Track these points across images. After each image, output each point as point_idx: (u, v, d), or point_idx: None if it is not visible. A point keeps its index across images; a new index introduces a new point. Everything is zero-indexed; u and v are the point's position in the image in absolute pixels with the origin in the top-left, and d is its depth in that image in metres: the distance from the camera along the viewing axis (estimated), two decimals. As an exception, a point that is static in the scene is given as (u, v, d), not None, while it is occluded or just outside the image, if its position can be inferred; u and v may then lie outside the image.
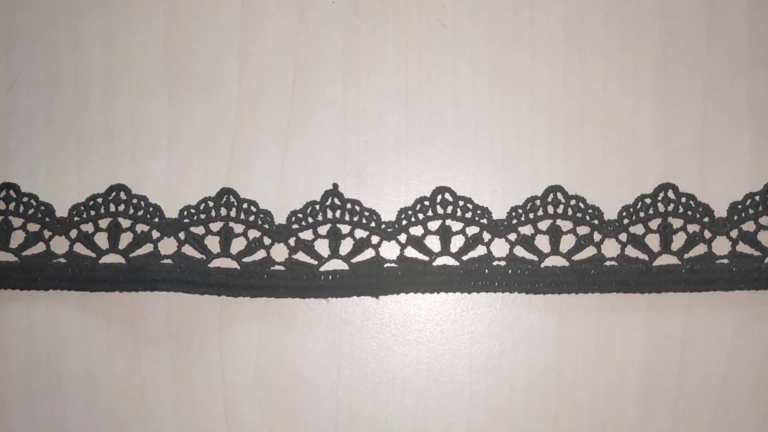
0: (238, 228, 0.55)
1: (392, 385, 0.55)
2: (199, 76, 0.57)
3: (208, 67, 0.57)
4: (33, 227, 0.55)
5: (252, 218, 0.54)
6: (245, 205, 0.54)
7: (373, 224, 0.54)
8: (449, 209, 0.54)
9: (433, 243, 0.54)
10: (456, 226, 0.54)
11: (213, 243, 0.55)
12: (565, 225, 0.54)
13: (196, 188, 0.55)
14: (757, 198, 0.54)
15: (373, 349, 0.55)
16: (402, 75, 0.56)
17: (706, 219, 0.54)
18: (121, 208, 0.55)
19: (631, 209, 0.54)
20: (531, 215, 0.54)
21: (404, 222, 0.54)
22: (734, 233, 0.54)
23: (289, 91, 0.56)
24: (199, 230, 0.55)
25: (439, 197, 0.54)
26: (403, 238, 0.54)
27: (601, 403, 0.55)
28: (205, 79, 0.57)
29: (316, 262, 0.54)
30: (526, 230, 0.54)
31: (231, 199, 0.54)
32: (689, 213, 0.54)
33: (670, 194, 0.54)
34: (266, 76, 0.56)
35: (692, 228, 0.54)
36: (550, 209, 0.54)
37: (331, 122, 0.56)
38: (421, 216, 0.54)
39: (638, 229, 0.54)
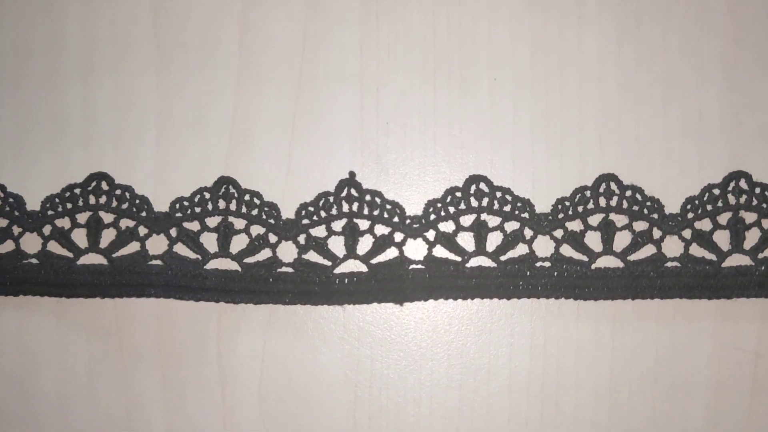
0: (239, 223, 0.52)
1: (418, 405, 0.52)
2: (193, 47, 0.53)
3: (203, 36, 0.53)
4: (0, 222, 0.52)
5: (255, 212, 0.51)
6: (247, 197, 0.51)
7: (396, 219, 0.51)
8: (485, 202, 0.51)
9: (467, 241, 0.51)
10: (493, 221, 0.51)
11: (210, 241, 0.52)
12: (620, 220, 0.51)
13: (190, 177, 0.52)
14: None
15: (396, 364, 0.52)
16: (429, 45, 0.53)
17: (785, 213, 0.51)
18: (103, 200, 0.52)
19: (697, 201, 0.51)
20: (580, 209, 0.51)
21: (432, 217, 0.51)
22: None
23: (298, 64, 0.53)
24: (194, 226, 0.52)
25: (473, 188, 0.51)
26: (431, 235, 0.51)
27: (662, 428, 0.52)
28: (199, 50, 0.53)
29: (329, 263, 0.51)
30: (575, 226, 0.51)
31: (230, 189, 0.52)
32: (764, 206, 0.51)
33: (743, 184, 0.51)
34: (271, 47, 0.53)
35: (768, 223, 0.51)
36: (602, 202, 0.51)
37: (347, 100, 0.53)
38: (452, 209, 0.51)
39: (705, 225, 0.51)
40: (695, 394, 0.51)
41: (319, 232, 0.51)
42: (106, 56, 0.53)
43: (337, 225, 0.51)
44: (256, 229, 0.52)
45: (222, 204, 0.51)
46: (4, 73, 0.53)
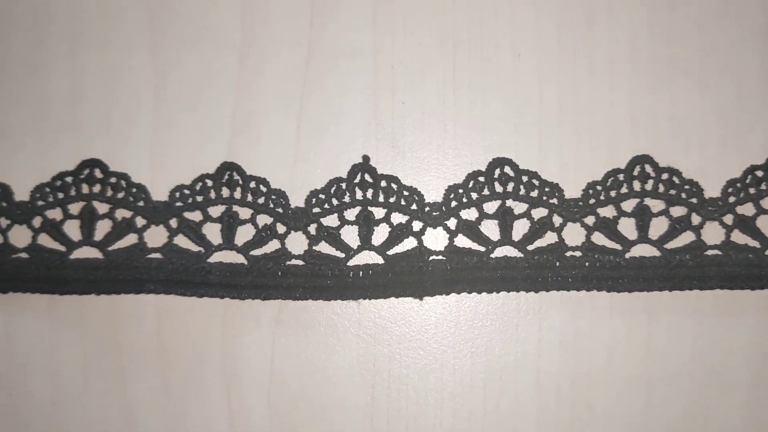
0: (245, 213, 0.52)
1: (440, 407, 0.52)
2: (190, 19, 0.53)
3: (201, 7, 0.53)
4: (-15, 215, 0.52)
5: (261, 200, 0.51)
6: (253, 184, 0.51)
7: (414, 207, 0.51)
8: (510, 187, 0.51)
9: (491, 229, 0.51)
10: (519, 207, 0.51)
11: (213, 232, 0.51)
12: (656, 205, 0.51)
13: (190, 163, 0.52)
14: None
15: (415, 363, 0.52)
16: (447, 18, 0.52)
17: (834, 196, 0.51)
18: (97, 189, 0.52)
19: (738, 184, 0.51)
20: (612, 193, 0.51)
21: (454, 204, 0.51)
22: None
23: (305, 38, 0.53)
24: (196, 216, 0.51)
25: (497, 172, 0.51)
26: (452, 223, 0.51)
27: (700, 427, 0.51)
28: (197, 22, 0.53)
29: (342, 255, 0.51)
30: (607, 212, 0.51)
31: (234, 176, 0.51)
32: (811, 188, 0.51)
33: (788, 165, 0.51)
34: (276, 20, 0.53)
35: (816, 207, 0.51)
36: (637, 185, 0.51)
37: (359, 78, 0.52)
38: (474, 196, 0.51)
39: (747, 209, 0.51)
40: (734, 392, 0.51)
41: (331, 221, 0.51)
42: (94, 30, 0.53)
43: (351, 214, 0.51)
44: (263, 219, 0.51)
45: (226, 192, 0.51)
46: (-14, 51, 0.53)
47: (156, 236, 0.51)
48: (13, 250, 0.51)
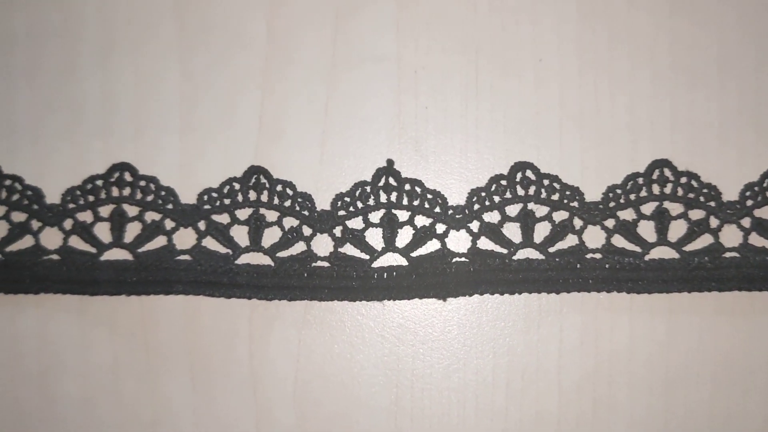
0: (271, 215, 0.53)
1: (463, 406, 0.53)
2: (218, 28, 0.54)
3: (228, 16, 0.54)
4: (18, 217, 0.53)
5: (288, 203, 0.52)
6: (279, 187, 0.52)
7: (437, 209, 0.52)
8: (531, 190, 0.52)
9: (513, 232, 0.52)
10: (540, 210, 0.52)
11: (241, 234, 0.52)
12: (675, 208, 0.52)
13: (218, 167, 0.53)
14: None
15: (438, 363, 0.53)
16: (470, 24, 0.53)
17: None
18: (126, 192, 0.53)
19: (756, 188, 0.52)
20: (632, 197, 0.52)
21: (476, 206, 0.52)
22: None
23: (330, 44, 0.54)
24: (224, 219, 0.53)
25: (519, 175, 0.52)
26: (475, 226, 0.52)
27: (720, 427, 0.52)
28: (225, 31, 0.54)
29: (367, 257, 0.52)
30: (627, 215, 0.52)
31: (261, 179, 0.52)
32: (828, 192, 0.52)
33: (805, 169, 0.52)
34: (301, 26, 0.54)
35: (833, 210, 0.52)
36: (656, 189, 0.52)
37: (383, 83, 0.53)
38: (497, 199, 0.52)
39: (765, 212, 0.52)
40: (755, 392, 0.52)
41: (356, 223, 0.52)
42: (125, 39, 0.54)
43: (375, 216, 0.52)
44: (289, 222, 0.52)
45: (253, 195, 0.52)
46: (19, 58, 0.54)
47: (185, 238, 0.52)
48: (45, 251, 0.52)
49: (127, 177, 0.52)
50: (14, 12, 0.54)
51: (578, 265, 0.51)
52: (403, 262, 0.52)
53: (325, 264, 0.52)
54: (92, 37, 0.54)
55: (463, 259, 0.52)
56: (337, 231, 0.52)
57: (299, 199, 0.52)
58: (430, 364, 0.53)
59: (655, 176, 0.52)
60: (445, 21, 0.54)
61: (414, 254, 0.52)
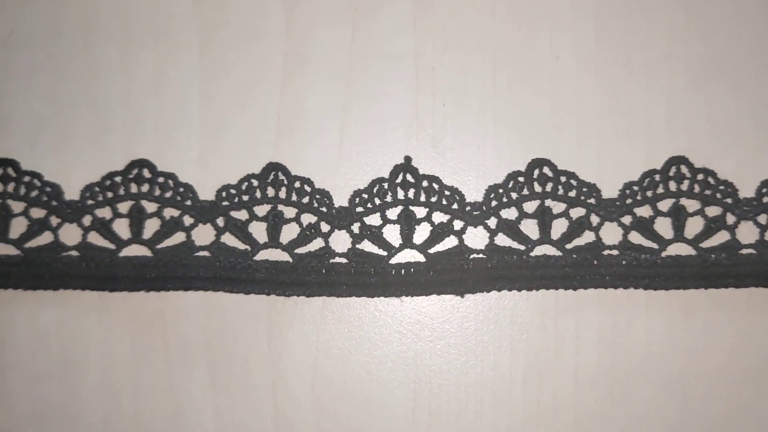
0: (290, 212, 0.53)
1: (480, 401, 0.53)
2: (238, 26, 0.54)
3: (247, 12, 0.54)
4: (37, 213, 0.53)
5: (306, 200, 0.53)
6: (297, 184, 0.53)
7: (455, 206, 0.52)
8: (549, 186, 0.52)
9: (530, 228, 0.53)
10: (557, 207, 0.53)
11: (259, 230, 0.53)
12: (691, 205, 0.53)
13: (237, 164, 0.53)
14: None
15: (456, 359, 0.54)
16: (487, 21, 0.54)
17: None
18: (145, 188, 0.53)
19: None
20: (649, 193, 0.52)
21: (494, 203, 0.52)
22: None
23: (348, 42, 0.54)
24: (242, 215, 0.53)
25: (536, 172, 0.53)
26: (492, 222, 0.53)
27: (736, 423, 0.53)
28: (244, 29, 0.54)
29: (385, 253, 0.53)
30: (643, 212, 0.53)
31: (280, 176, 0.53)
32: (844, 189, 0.52)
33: (821, 166, 0.53)
34: (319, 24, 0.54)
35: None
36: (673, 186, 0.52)
37: (400, 81, 0.54)
38: (514, 195, 0.52)
39: None
40: (770, 388, 0.53)
41: (374, 220, 0.53)
42: (144, 35, 0.54)
43: (393, 213, 0.53)
44: (308, 218, 0.53)
45: (271, 192, 0.53)
46: (38, 54, 0.55)
47: (203, 235, 0.53)
48: (64, 248, 0.53)
49: (146, 173, 0.53)
50: (35, 11, 0.55)
51: (595, 262, 0.52)
52: (421, 258, 0.52)
53: (343, 260, 0.52)
54: (112, 35, 0.54)
55: (480, 255, 0.52)
56: (355, 227, 0.52)
57: (317, 196, 0.52)
58: (448, 359, 0.53)
59: (671, 173, 0.52)
60: (462, 19, 0.54)
61: (431, 251, 0.52)
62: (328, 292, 0.52)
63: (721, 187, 0.52)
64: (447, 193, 0.52)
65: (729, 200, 0.52)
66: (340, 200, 0.53)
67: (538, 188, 0.52)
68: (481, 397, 0.53)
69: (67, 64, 0.54)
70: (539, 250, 0.52)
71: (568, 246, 0.52)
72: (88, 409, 0.53)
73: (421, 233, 0.53)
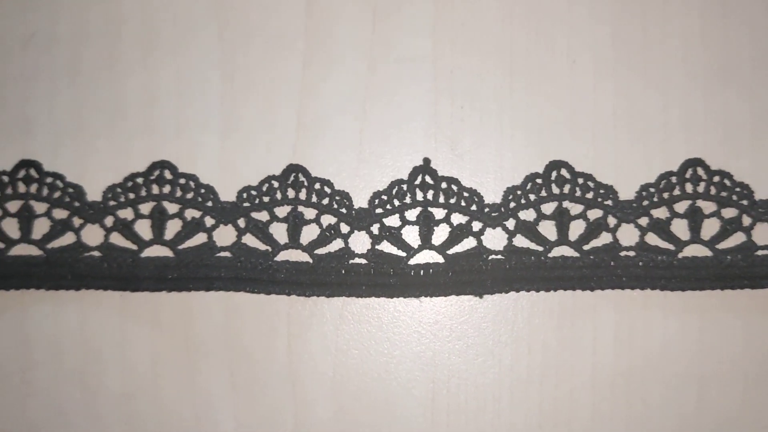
0: (310, 213, 0.54)
1: (498, 401, 0.54)
2: (258, 28, 0.55)
3: (267, 16, 0.55)
4: (60, 214, 0.54)
5: (326, 201, 0.53)
6: (317, 186, 0.53)
7: (473, 207, 0.53)
8: (566, 188, 0.53)
9: (548, 230, 0.53)
10: (575, 209, 0.53)
11: (279, 231, 0.53)
12: (707, 207, 0.53)
13: (257, 165, 0.54)
14: None
15: (474, 359, 0.54)
16: (505, 25, 0.55)
17: None
18: (167, 189, 0.54)
19: None
20: (665, 195, 0.53)
21: (512, 205, 0.53)
22: None
23: (367, 44, 0.55)
24: (263, 216, 0.54)
25: (554, 174, 0.53)
26: (511, 224, 0.53)
27: (751, 423, 0.53)
28: (265, 31, 0.55)
29: (404, 254, 0.53)
30: (660, 213, 0.53)
31: (300, 178, 0.53)
32: None
33: (836, 168, 0.53)
34: (339, 26, 0.55)
35: None
36: (689, 187, 0.53)
37: (419, 83, 0.55)
38: (532, 197, 0.53)
39: None
40: (788, 388, 0.53)
41: (393, 221, 0.53)
42: (166, 38, 0.55)
43: (412, 214, 0.53)
44: (327, 219, 0.53)
45: (291, 193, 0.53)
46: (61, 57, 0.55)
47: (225, 235, 0.53)
48: (86, 248, 0.53)
49: (168, 175, 0.53)
50: (57, 13, 0.55)
51: (612, 263, 0.52)
52: (440, 259, 0.53)
53: (363, 261, 0.53)
54: (134, 37, 0.55)
55: (499, 256, 0.53)
56: (375, 228, 0.53)
57: (337, 197, 0.53)
58: (466, 359, 0.54)
59: (688, 175, 0.53)
60: (480, 22, 0.55)
61: (450, 251, 0.53)
62: (348, 292, 0.53)
63: (737, 189, 0.53)
64: (466, 194, 0.53)
65: (745, 202, 0.53)
66: (360, 201, 0.53)
67: (555, 190, 0.53)
68: (499, 397, 0.54)
69: (89, 67, 0.55)
70: (557, 251, 0.53)
71: (586, 247, 0.53)
72: (109, 409, 0.54)
73: (440, 234, 0.53)
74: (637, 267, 0.52)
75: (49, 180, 0.53)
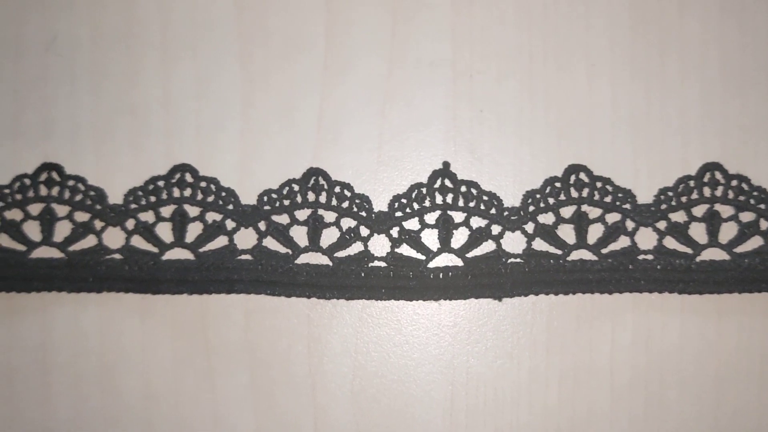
0: (330, 216, 0.54)
1: (516, 403, 0.54)
2: (277, 32, 0.55)
3: (287, 20, 0.55)
4: (81, 217, 0.54)
5: (346, 204, 0.54)
6: (337, 189, 0.54)
7: (492, 211, 0.53)
8: (585, 192, 0.53)
9: (567, 233, 0.54)
10: (593, 212, 0.54)
11: (300, 234, 0.54)
12: (725, 210, 0.54)
13: (277, 169, 0.54)
14: None
15: (493, 362, 0.55)
16: (524, 29, 0.55)
17: None
18: (187, 192, 0.54)
19: None
20: (684, 199, 0.53)
21: (531, 208, 0.53)
22: None
23: (387, 48, 0.55)
24: (283, 219, 0.54)
25: (573, 178, 0.54)
26: (530, 227, 0.54)
27: (769, 425, 0.54)
28: (284, 35, 0.55)
29: (423, 257, 0.54)
30: (678, 217, 0.54)
31: (320, 181, 0.54)
32: None
33: None
34: (359, 31, 0.55)
35: None
36: (707, 191, 0.53)
37: (439, 87, 0.55)
38: (551, 201, 0.53)
39: None
40: (805, 390, 0.54)
41: (413, 224, 0.54)
42: (186, 40, 0.55)
43: (431, 217, 0.54)
44: (347, 222, 0.54)
45: (311, 196, 0.53)
46: (81, 61, 0.55)
47: (245, 238, 0.53)
48: (108, 251, 0.54)
49: (188, 178, 0.54)
50: (78, 16, 0.55)
51: (630, 266, 0.53)
52: (459, 262, 0.53)
53: (382, 264, 0.53)
54: (154, 41, 0.55)
55: (518, 260, 0.53)
56: (394, 232, 0.53)
57: (357, 201, 0.53)
58: (485, 362, 0.54)
59: (706, 179, 0.53)
60: (499, 26, 0.55)
61: (469, 255, 0.53)
62: (367, 295, 0.53)
63: (755, 193, 0.53)
64: (485, 198, 0.53)
65: (762, 206, 0.53)
66: (380, 205, 0.54)
67: (574, 194, 0.53)
68: (518, 400, 0.54)
69: (109, 70, 0.55)
70: (576, 255, 0.53)
71: (604, 251, 0.53)
72: (130, 411, 0.54)
73: (459, 238, 0.54)
74: (656, 270, 0.53)
75: (70, 183, 0.54)
